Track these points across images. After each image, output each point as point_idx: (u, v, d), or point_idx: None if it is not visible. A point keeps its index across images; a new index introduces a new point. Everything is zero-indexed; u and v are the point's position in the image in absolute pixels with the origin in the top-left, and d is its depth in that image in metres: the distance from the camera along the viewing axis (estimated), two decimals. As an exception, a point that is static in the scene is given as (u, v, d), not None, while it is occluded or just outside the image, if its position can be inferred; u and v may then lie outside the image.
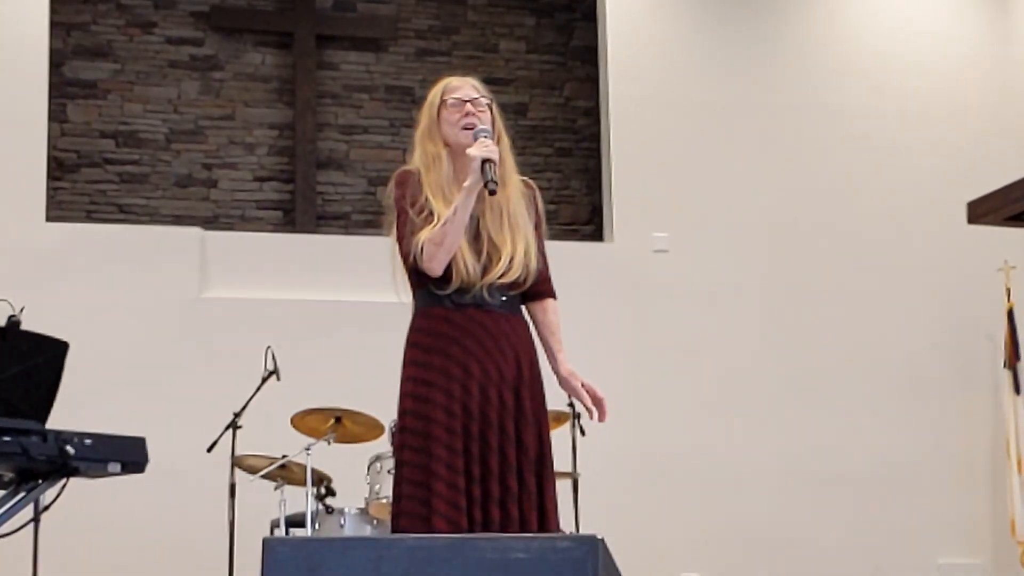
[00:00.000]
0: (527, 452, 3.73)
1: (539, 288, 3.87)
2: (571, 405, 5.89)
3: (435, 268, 3.68)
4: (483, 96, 3.87)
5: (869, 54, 8.27)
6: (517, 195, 3.84)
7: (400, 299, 3.88)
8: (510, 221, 3.79)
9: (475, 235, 3.74)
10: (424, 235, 3.67)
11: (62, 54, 7.74)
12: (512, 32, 8.37)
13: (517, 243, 3.77)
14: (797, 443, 7.69)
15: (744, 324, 7.80)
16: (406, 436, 3.69)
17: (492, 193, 3.65)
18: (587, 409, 3.86)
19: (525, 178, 3.96)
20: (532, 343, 3.87)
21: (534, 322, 3.91)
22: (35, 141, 7.24)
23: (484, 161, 3.65)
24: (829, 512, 7.64)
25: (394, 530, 3.70)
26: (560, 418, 5.87)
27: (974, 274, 7.97)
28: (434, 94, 3.90)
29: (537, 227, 3.89)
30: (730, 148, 7.99)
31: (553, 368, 3.88)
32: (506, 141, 3.85)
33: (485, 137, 3.73)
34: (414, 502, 3.62)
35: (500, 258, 3.74)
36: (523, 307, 3.89)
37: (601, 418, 3.84)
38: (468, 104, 3.83)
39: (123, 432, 3.86)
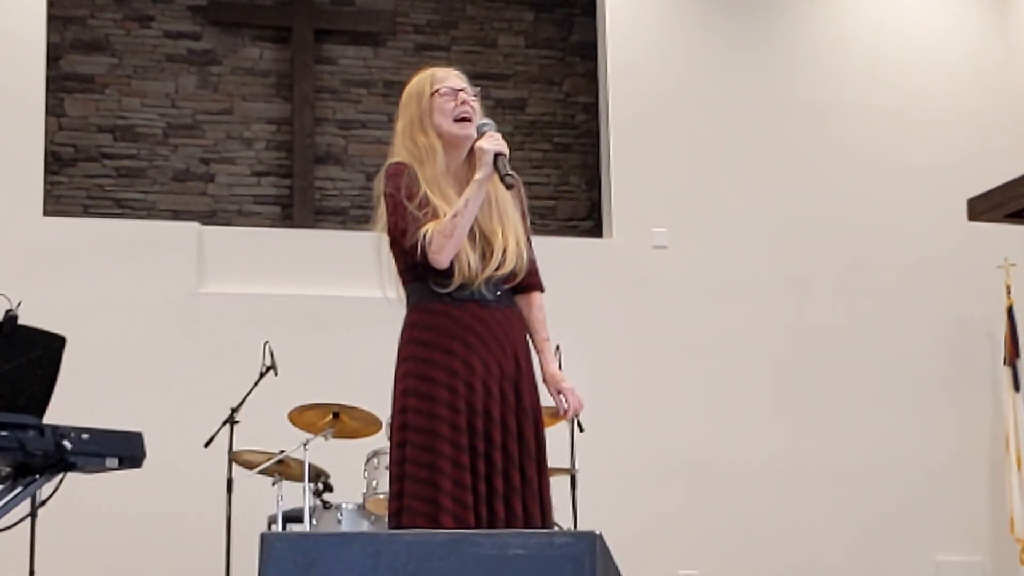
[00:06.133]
0: (527, 446, 3.73)
1: (528, 281, 3.85)
2: (566, 408, 5.87)
3: (442, 260, 3.64)
4: (470, 88, 3.85)
5: (870, 52, 8.26)
6: (504, 187, 3.81)
7: (385, 294, 3.85)
8: (499, 212, 3.77)
9: (471, 230, 3.72)
10: (432, 227, 3.64)
11: (59, 48, 7.72)
12: (511, 27, 8.36)
13: (508, 234, 3.76)
14: (796, 440, 7.69)
15: (743, 320, 7.79)
16: (409, 433, 3.66)
17: (510, 187, 3.64)
18: (560, 409, 3.86)
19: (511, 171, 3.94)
20: (526, 337, 3.85)
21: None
22: (32, 135, 7.23)
23: (496, 155, 3.64)
24: (828, 508, 7.64)
25: (395, 527, 3.66)
26: (558, 414, 5.85)
27: (974, 271, 7.96)
28: (421, 85, 3.84)
29: (523, 218, 3.87)
30: (730, 144, 7.98)
31: (541, 365, 3.86)
32: None
33: (491, 131, 3.71)
34: (420, 500, 3.58)
35: (494, 250, 3.72)
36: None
37: (565, 416, 3.91)
38: (461, 93, 3.80)
39: (120, 427, 3.85)
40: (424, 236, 3.64)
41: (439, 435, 3.61)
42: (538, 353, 3.87)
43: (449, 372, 3.67)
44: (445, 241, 3.62)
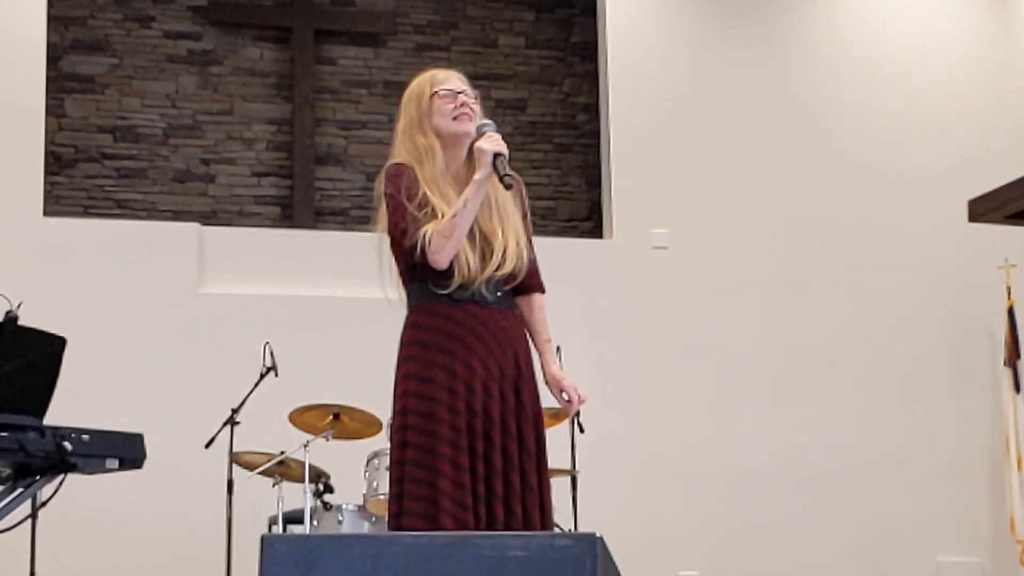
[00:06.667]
0: (527, 448, 3.72)
1: (528, 282, 3.85)
2: (568, 402, 5.87)
3: (442, 261, 3.65)
4: (470, 90, 3.85)
5: (871, 52, 8.25)
6: (503, 187, 3.80)
7: (385, 295, 3.85)
8: (499, 212, 3.78)
9: (470, 231, 3.72)
10: (431, 227, 3.64)
11: (60, 48, 7.72)
12: (511, 27, 8.35)
13: (508, 235, 3.76)
14: (796, 440, 7.68)
15: (743, 321, 7.79)
16: (408, 434, 3.66)
17: (508, 187, 3.64)
18: (563, 404, 3.85)
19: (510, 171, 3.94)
20: (527, 338, 3.85)
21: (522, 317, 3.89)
22: (33, 136, 7.22)
23: (496, 155, 3.64)
24: (828, 509, 7.63)
25: (395, 529, 3.66)
26: (559, 415, 5.85)
27: (975, 272, 7.95)
28: (421, 86, 3.85)
29: (524, 218, 3.87)
30: (730, 144, 7.97)
31: (542, 366, 3.86)
32: None
33: (491, 131, 3.71)
34: (420, 501, 3.58)
35: (493, 251, 3.72)
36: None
37: (571, 410, 3.89)
38: (461, 95, 3.81)
39: (121, 428, 3.84)
40: (423, 236, 3.64)
41: (438, 436, 3.61)
42: (539, 354, 3.87)
43: (449, 373, 3.67)
44: (444, 241, 3.63)
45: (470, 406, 3.66)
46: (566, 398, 3.82)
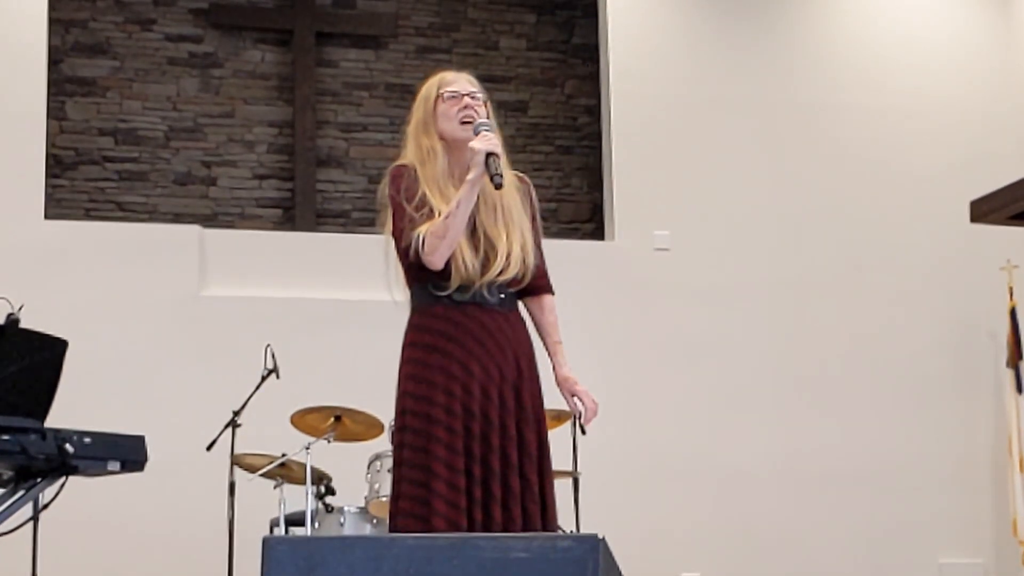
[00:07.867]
0: (528, 450, 3.72)
1: (537, 283, 3.85)
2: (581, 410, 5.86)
3: (436, 262, 3.65)
4: (479, 91, 3.85)
5: (872, 52, 8.25)
6: (511, 189, 3.79)
7: (392, 297, 3.85)
8: (504, 216, 3.77)
9: (472, 231, 3.72)
10: (425, 228, 3.64)
11: (61, 51, 7.72)
12: (512, 29, 8.36)
13: (513, 238, 3.75)
14: (798, 442, 7.68)
15: (745, 322, 7.79)
16: (406, 435, 3.67)
17: (499, 187, 3.63)
18: (576, 413, 3.84)
19: (519, 173, 3.93)
20: (530, 341, 3.85)
21: (532, 319, 3.88)
22: (34, 139, 7.22)
23: (488, 155, 3.63)
24: (830, 511, 7.63)
25: (392, 530, 3.67)
26: (561, 417, 5.85)
27: (977, 273, 7.95)
28: (429, 88, 3.87)
29: (533, 221, 3.86)
30: (732, 146, 7.97)
31: (553, 368, 3.86)
32: (499, 136, 3.82)
33: (486, 131, 3.70)
34: (413, 502, 3.59)
35: (497, 254, 3.71)
36: (520, 303, 3.87)
37: (586, 421, 3.84)
38: (466, 97, 3.80)
39: (122, 430, 3.84)
40: (417, 238, 3.65)
41: (434, 437, 3.62)
42: (550, 356, 3.86)
43: (446, 375, 3.67)
44: (438, 242, 3.63)
45: (467, 408, 3.66)
46: (579, 405, 3.80)
